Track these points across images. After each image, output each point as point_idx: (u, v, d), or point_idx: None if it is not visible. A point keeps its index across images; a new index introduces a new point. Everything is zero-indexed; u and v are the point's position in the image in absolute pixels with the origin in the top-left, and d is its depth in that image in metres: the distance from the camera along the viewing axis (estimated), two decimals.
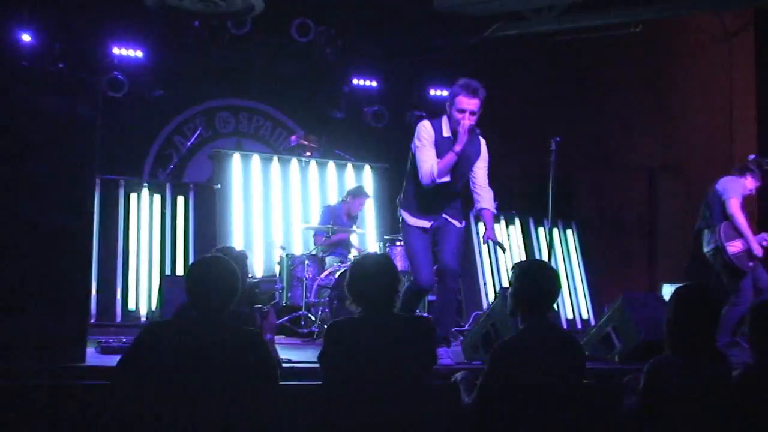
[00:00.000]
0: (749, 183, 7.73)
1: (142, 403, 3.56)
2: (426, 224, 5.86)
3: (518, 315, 4.12)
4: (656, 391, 3.92)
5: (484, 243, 6.16)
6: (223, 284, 3.76)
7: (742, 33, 10.88)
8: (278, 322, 8.31)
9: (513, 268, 4.29)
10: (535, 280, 4.09)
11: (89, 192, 5.37)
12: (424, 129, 5.77)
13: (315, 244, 9.14)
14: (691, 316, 3.95)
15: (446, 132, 5.78)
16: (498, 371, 3.96)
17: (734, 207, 7.50)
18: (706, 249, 7.68)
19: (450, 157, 5.64)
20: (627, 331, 6.14)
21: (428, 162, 5.68)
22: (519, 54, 11.46)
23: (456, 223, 5.93)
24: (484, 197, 5.96)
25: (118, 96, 9.90)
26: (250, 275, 7.11)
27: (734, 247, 7.45)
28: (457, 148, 5.63)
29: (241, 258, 4.79)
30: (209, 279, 3.75)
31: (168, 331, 3.74)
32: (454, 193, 5.90)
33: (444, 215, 5.88)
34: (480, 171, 5.94)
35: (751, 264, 7.49)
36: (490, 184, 6.03)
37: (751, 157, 8.12)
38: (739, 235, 7.47)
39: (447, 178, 5.72)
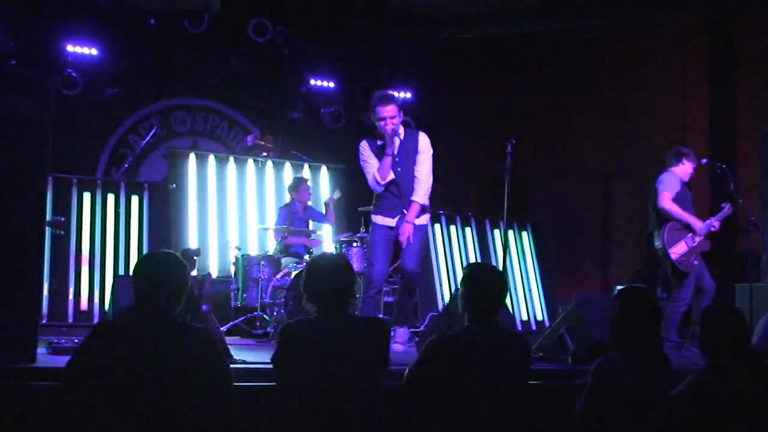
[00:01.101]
0: (687, 168, 7.85)
1: (93, 405, 3.52)
2: (390, 222, 6.56)
3: (464, 315, 4.18)
4: (602, 391, 3.98)
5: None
6: (173, 281, 3.71)
7: (696, 39, 11.04)
8: (233, 322, 8.29)
9: (463, 269, 4.38)
10: (481, 282, 4.18)
11: (41, 191, 5.30)
12: (362, 147, 6.65)
13: (278, 241, 9.14)
14: (633, 316, 4.04)
15: (379, 142, 6.59)
16: (427, 364, 4.05)
17: (664, 200, 7.64)
18: (656, 245, 7.82)
19: (386, 160, 6.45)
20: (580, 333, 6.19)
21: (370, 171, 6.54)
22: (475, 57, 11.53)
23: (416, 220, 6.53)
24: (416, 189, 6.57)
25: (72, 94, 9.78)
26: (207, 273, 7.07)
27: (676, 253, 7.59)
28: (388, 150, 6.43)
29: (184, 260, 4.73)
30: (159, 276, 3.70)
31: (117, 331, 3.69)
32: (407, 188, 6.54)
33: (404, 210, 6.51)
34: (419, 164, 6.57)
35: (695, 262, 7.62)
36: (435, 181, 6.70)
37: (703, 161, 8.25)
38: (682, 234, 7.61)
39: (392, 176, 6.49)
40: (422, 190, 6.58)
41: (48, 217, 7.39)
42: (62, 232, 7.02)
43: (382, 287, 7.08)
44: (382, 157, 6.50)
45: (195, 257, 6.03)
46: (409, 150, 6.57)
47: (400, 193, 6.54)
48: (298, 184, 9.41)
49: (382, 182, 6.49)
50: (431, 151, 6.67)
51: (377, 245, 6.59)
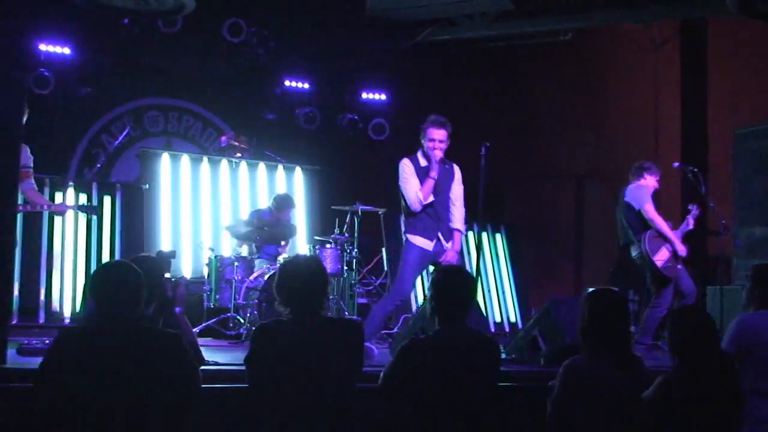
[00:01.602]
0: (651, 182, 7.91)
1: (62, 410, 3.49)
2: (428, 245, 6.75)
3: (435, 319, 4.19)
4: (571, 392, 3.99)
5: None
6: (129, 289, 3.71)
7: (668, 44, 11.13)
8: (206, 323, 8.26)
9: (432, 273, 4.40)
10: (450, 285, 4.22)
11: (12, 190, 5.26)
12: (405, 165, 6.82)
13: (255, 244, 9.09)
14: (602, 319, 4.06)
15: (423, 162, 6.82)
16: (400, 367, 4.08)
17: (651, 212, 7.68)
18: (633, 254, 7.83)
19: (429, 182, 6.70)
20: (553, 335, 6.23)
21: (413, 190, 6.73)
22: (450, 59, 11.55)
23: (447, 245, 6.81)
24: (456, 217, 6.88)
25: (44, 93, 9.67)
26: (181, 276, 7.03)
27: (660, 260, 7.62)
28: (433, 174, 6.69)
29: (159, 263, 4.69)
30: (114, 284, 3.70)
31: (82, 336, 3.68)
32: (442, 213, 6.83)
33: (438, 233, 6.79)
34: (455, 193, 6.91)
35: (679, 267, 7.66)
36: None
37: (676, 165, 8.31)
38: (663, 242, 7.65)
39: (432, 199, 6.74)
40: (463, 219, 6.92)
41: (19, 217, 7.36)
42: (94, 216, 7.11)
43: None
44: (422, 177, 6.74)
45: (170, 259, 6.03)
46: (447, 178, 6.88)
47: (437, 217, 6.79)
48: (284, 206, 9.19)
49: (425, 202, 6.72)
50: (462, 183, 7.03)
51: (411, 264, 6.76)
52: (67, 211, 7.20)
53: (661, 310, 7.64)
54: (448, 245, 6.80)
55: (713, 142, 10.54)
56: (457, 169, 6.99)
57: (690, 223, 7.87)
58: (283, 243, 9.17)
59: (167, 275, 4.85)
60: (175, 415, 3.62)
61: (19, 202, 6.75)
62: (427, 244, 6.76)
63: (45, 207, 6.83)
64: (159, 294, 4.23)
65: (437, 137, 6.75)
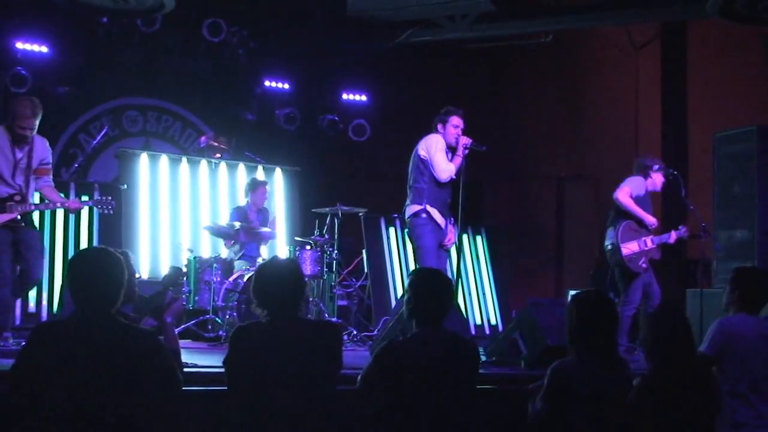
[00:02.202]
0: (657, 180, 7.99)
1: (38, 409, 3.46)
2: (442, 222, 7.06)
3: (412, 321, 4.19)
4: (558, 394, 4.01)
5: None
6: (108, 278, 3.63)
7: (649, 46, 11.19)
8: (185, 325, 8.22)
9: (408, 275, 4.40)
10: (427, 287, 4.23)
11: None
12: (439, 140, 7.14)
13: (227, 247, 9.06)
14: (588, 320, 4.06)
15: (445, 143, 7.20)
16: (378, 369, 4.08)
17: (622, 194, 7.77)
18: (605, 243, 7.92)
19: (457, 160, 7.08)
20: (533, 337, 6.23)
21: (444, 160, 7.05)
22: (431, 61, 11.57)
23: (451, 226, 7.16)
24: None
25: (21, 92, 9.59)
26: (137, 275, 7.00)
27: (628, 249, 7.72)
28: (460, 152, 7.09)
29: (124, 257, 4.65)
30: (93, 273, 3.62)
31: (58, 332, 3.62)
32: (452, 200, 7.14)
33: (447, 218, 7.12)
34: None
35: (643, 265, 7.73)
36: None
37: (656, 167, 8.34)
38: (637, 236, 7.74)
39: (454, 176, 7.09)
40: None
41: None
42: (111, 211, 7.07)
43: None
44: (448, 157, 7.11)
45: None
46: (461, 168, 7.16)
47: (450, 198, 7.15)
48: (257, 185, 9.34)
49: (453, 176, 7.06)
50: None
51: (434, 242, 7.00)
52: (81, 207, 7.14)
53: (630, 308, 7.73)
54: (451, 228, 7.11)
55: (693, 145, 10.60)
56: None
57: (672, 237, 7.96)
58: (266, 230, 9.17)
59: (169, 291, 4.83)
60: (155, 416, 3.60)
61: (35, 201, 6.71)
62: (441, 221, 7.06)
63: (60, 204, 6.78)
64: (130, 292, 4.17)
65: (460, 124, 7.21)
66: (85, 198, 9.08)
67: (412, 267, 9.87)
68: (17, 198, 6.45)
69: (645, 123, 11.15)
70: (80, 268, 3.67)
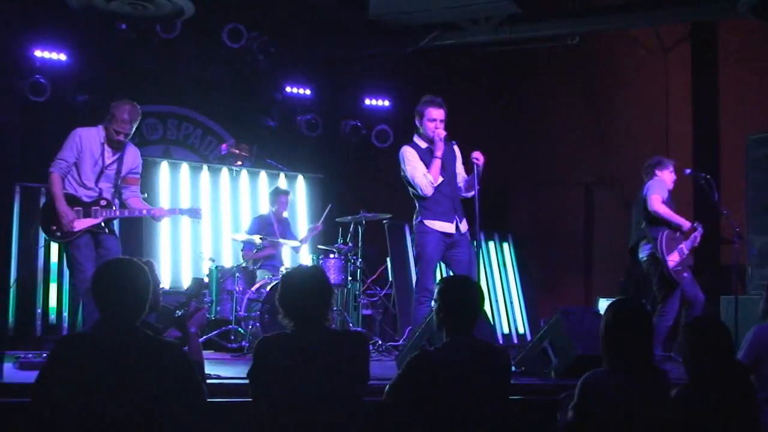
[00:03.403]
0: (666, 176, 7.88)
1: (62, 422, 3.46)
2: (449, 228, 6.75)
3: (442, 331, 4.17)
4: (590, 406, 3.95)
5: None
6: (133, 289, 3.65)
7: (679, 47, 11.12)
8: (207, 336, 8.23)
9: (437, 283, 4.39)
10: (457, 295, 4.21)
11: (8, 200, 5.26)
12: (408, 152, 6.83)
13: (244, 258, 9.07)
14: (624, 331, 4.00)
15: (423, 145, 6.85)
16: (408, 380, 4.06)
17: (655, 203, 7.65)
18: (641, 255, 7.82)
19: (436, 163, 6.71)
20: (563, 346, 6.19)
21: (420, 174, 6.73)
22: (455, 64, 11.56)
23: (462, 226, 6.81)
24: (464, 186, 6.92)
25: (40, 100, 9.66)
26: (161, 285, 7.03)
27: (672, 261, 7.60)
28: (438, 153, 6.71)
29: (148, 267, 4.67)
30: (118, 285, 3.63)
31: (82, 344, 3.63)
32: (454, 194, 6.84)
33: (455, 215, 6.79)
34: (460, 173, 6.94)
35: (685, 275, 7.64)
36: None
37: (687, 172, 8.28)
38: (676, 245, 7.64)
39: (441, 179, 6.74)
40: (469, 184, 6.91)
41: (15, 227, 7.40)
42: (197, 219, 7.24)
43: None
44: (427, 160, 6.76)
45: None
46: (450, 156, 6.90)
47: (450, 196, 6.80)
48: (278, 194, 9.40)
49: (435, 183, 6.72)
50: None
51: (434, 253, 6.73)
52: (167, 215, 7.21)
53: (668, 319, 7.63)
54: (463, 227, 6.79)
55: (725, 148, 10.52)
56: (457, 147, 7.04)
57: (697, 239, 7.85)
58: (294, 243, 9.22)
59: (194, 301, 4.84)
60: (179, 429, 3.59)
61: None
62: (447, 227, 6.77)
63: (145, 212, 6.84)
64: (155, 303, 4.19)
65: (437, 117, 6.79)
66: None
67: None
68: (103, 203, 6.53)
69: (675, 125, 11.08)
70: (105, 280, 3.68)
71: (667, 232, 7.65)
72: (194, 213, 7.22)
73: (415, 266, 7.14)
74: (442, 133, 6.73)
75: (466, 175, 6.93)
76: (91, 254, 6.49)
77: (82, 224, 6.46)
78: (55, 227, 6.46)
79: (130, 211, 6.81)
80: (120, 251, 6.69)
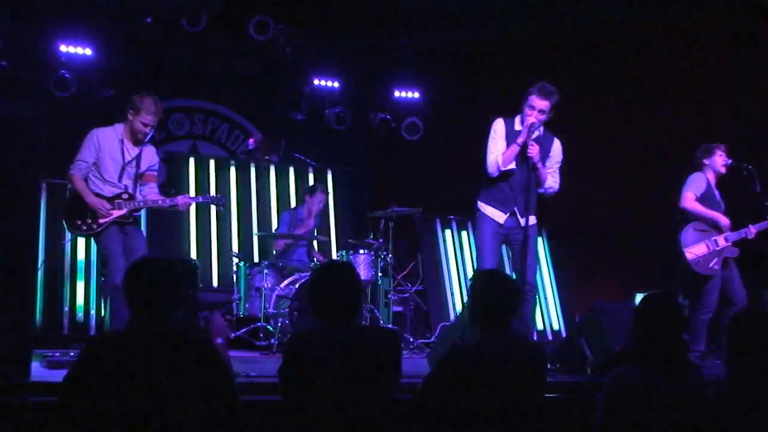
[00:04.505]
0: (716, 163, 7.79)
1: (90, 422, 3.49)
2: (500, 217, 6.53)
3: (477, 327, 4.15)
4: (617, 405, 3.92)
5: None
6: (162, 288, 3.68)
7: (717, 34, 11.00)
8: (236, 334, 8.27)
9: (470, 278, 4.35)
10: (491, 290, 4.18)
11: (33, 196, 5.31)
12: (497, 123, 6.63)
13: (276, 250, 9.12)
14: (655, 325, 3.97)
15: (518, 126, 6.56)
16: (441, 378, 4.04)
17: (687, 201, 7.59)
18: (677, 248, 7.78)
19: (513, 148, 6.45)
20: (599, 343, 6.17)
21: (494, 153, 6.51)
22: (487, 55, 11.50)
23: (522, 220, 6.44)
24: (548, 180, 6.70)
25: (66, 96, 9.74)
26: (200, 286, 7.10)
27: (692, 253, 7.53)
28: (519, 140, 6.42)
29: (192, 270, 4.72)
30: (149, 284, 3.67)
31: (113, 343, 3.67)
32: (524, 186, 6.47)
33: (515, 207, 6.51)
34: (550, 170, 6.70)
35: (715, 267, 7.54)
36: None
37: (727, 162, 8.19)
38: (704, 236, 7.56)
39: (513, 166, 6.48)
40: (554, 184, 6.80)
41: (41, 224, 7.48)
42: (222, 208, 7.36)
43: None
44: (511, 140, 6.51)
45: (195, 269, 6.13)
46: (541, 151, 6.58)
47: (519, 189, 6.52)
48: (315, 189, 9.39)
49: (503, 168, 6.49)
50: (562, 160, 6.84)
51: (487, 242, 6.55)
52: (191, 203, 7.25)
53: (704, 312, 7.53)
54: (523, 222, 6.43)
55: (766, 137, 10.39)
56: (557, 142, 6.84)
57: (751, 232, 7.74)
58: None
59: (200, 313, 4.86)
60: (210, 428, 3.61)
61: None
62: (498, 216, 6.57)
63: (168, 203, 6.90)
64: (190, 301, 4.23)
65: (538, 106, 6.52)
66: None
67: (470, 270, 9.84)
68: (125, 196, 6.62)
69: (714, 114, 10.96)
70: (134, 279, 3.72)
71: (692, 223, 7.59)
72: (218, 200, 7.29)
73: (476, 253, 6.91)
74: (531, 120, 6.44)
75: (552, 175, 6.78)
76: (119, 246, 6.59)
77: (111, 214, 6.55)
78: (80, 221, 6.57)
79: (154, 202, 6.87)
80: (145, 243, 6.80)
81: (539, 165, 6.54)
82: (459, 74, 11.64)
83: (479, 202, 6.65)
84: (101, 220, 6.56)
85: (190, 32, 9.97)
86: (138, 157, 6.78)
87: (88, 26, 9.94)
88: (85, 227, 6.58)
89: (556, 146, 6.79)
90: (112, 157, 6.69)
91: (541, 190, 6.68)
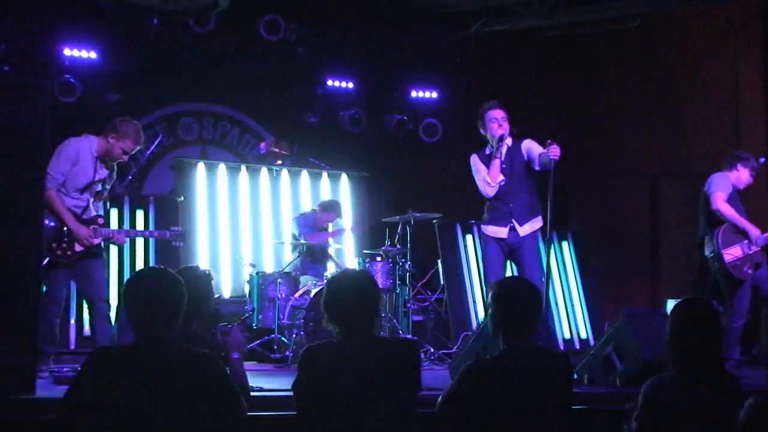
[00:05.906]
0: (743, 175, 7.82)
1: None
2: (501, 232, 7.04)
3: (499, 336, 4.14)
4: (654, 415, 3.90)
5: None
6: (166, 300, 3.67)
7: (749, 26, 10.97)
8: (249, 346, 8.27)
9: (490, 287, 4.35)
10: (514, 299, 4.16)
11: (37, 204, 5.32)
12: (473, 158, 7.25)
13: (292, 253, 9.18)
14: (690, 333, 3.95)
15: (488, 151, 7.19)
16: (463, 390, 4.03)
17: (719, 201, 7.61)
18: (706, 252, 7.77)
19: (495, 163, 7.07)
20: (629, 352, 6.13)
21: (481, 178, 7.14)
22: (507, 52, 11.48)
23: (520, 230, 7.02)
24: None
25: (70, 101, 9.78)
26: (216, 295, 7.09)
27: (730, 255, 7.54)
28: (497, 153, 7.04)
29: (205, 279, 4.72)
30: (150, 296, 3.66)
31: (114, 358, 3.67)
32: (515, 196, 7.07)
33: (513, 219, 7.03)
34: (534, 152, 7.00)
35: (749, 271, 7.54)
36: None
37: (762, 160, 8.19)
38: (739, 239, 7.56)
39: (502, 179, 7.08)
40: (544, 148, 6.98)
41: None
42: (181, 244, 7.26)
43: None
44: (489, 163, 7.11)
45: (209, 279, 6.09)
46: (515, 159, 7.13)
47: (509, 199, 7.09)
48: (331, 209, 9.42)
49: (494, 183, 7.08)
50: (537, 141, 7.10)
51: (494, 262, 7.09)
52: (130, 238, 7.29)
53: (737, 318, 7.55)
54: (524, 230, 7.02)
55: None
56: (527, 141, 7.14)
57: None
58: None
59: (219, 324, 4.85)
60: None
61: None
62: (500, 232, 7.08)
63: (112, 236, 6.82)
64: (209, 311, 4.22)
65: (498, 117, 7.08)
66: (140, 211, 9.22)
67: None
68: (100, 221, 6.57)
69: (746, 111, 10.93)
70: (137, 291, 3.72)
71: (725, 225, 7.60)
72: (177, 236, 7.14)
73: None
74: (499, 131, 7.02)
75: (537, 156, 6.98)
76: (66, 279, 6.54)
77: (92, 242, 6.47)
78: (55, 244, 6.36)
79: (127, 233, 6.90)
80: (105, 277, 6.75)
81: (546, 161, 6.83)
82: (478, 73, 11.62)
83: (482, 226, 7.27)
84: (77, 248, 6.42)
85: (198, 33, 10.01)
86: (105, 179, 6.68)
87: (93, 29, 9.97)
88: (60, 252, 6.38)
89: (527, 143, 7.14)
90: (83, 172, 6.54)
91: (538, 168, 7.01)
